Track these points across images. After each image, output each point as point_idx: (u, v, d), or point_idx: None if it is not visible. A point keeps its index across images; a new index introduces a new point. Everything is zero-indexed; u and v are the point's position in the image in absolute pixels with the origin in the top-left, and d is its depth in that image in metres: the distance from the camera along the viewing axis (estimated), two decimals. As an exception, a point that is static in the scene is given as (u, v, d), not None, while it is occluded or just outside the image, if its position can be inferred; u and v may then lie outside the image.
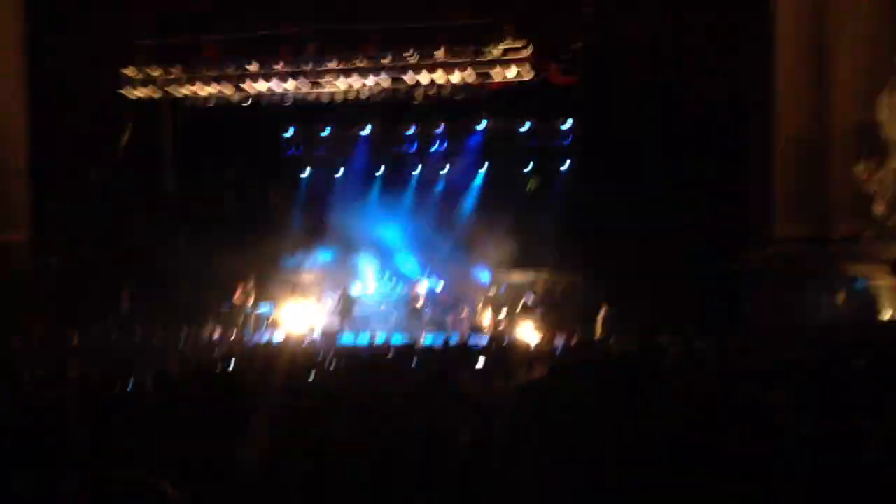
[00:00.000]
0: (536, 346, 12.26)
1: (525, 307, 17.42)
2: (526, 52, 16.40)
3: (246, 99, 18.51)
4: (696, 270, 15.99)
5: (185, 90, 18.03)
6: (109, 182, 18.00)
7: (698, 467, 4.32)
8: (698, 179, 16.45)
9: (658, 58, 16.66)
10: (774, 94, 15.41)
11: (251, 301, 18.10)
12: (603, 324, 15.62)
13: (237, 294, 18.12)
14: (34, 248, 17.01)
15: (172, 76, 17.71)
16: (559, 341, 12.85)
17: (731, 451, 4.49)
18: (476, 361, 9.39)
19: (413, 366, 9.48)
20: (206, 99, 18.42)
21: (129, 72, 17.55)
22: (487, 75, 17.09)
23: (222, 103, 18.65)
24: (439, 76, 17.15)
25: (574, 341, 12.82)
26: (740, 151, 16.32)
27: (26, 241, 16.94)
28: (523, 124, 18.98)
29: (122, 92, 17.78)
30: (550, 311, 17.82)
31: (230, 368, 9.23)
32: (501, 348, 12.20)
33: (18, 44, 17.04)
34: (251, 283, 18.27)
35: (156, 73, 17.58)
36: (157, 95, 18.09)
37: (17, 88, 17.05)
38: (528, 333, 16.05)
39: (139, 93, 17.88)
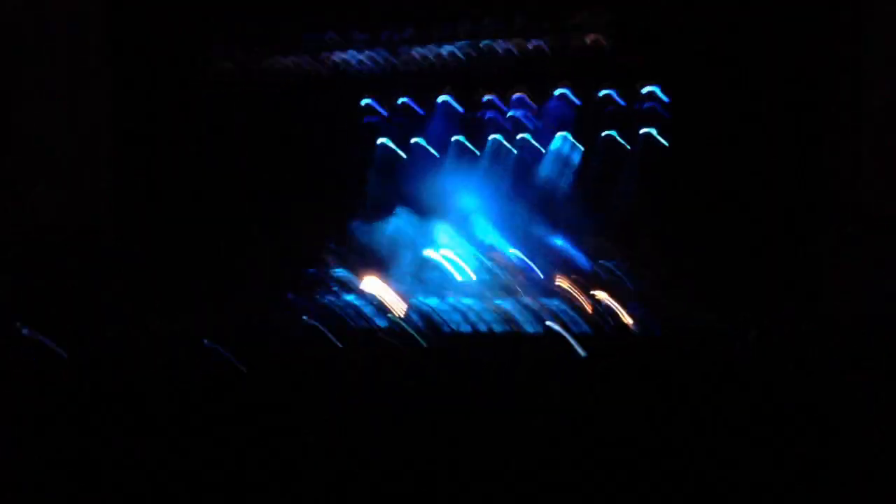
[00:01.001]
0: (615, 322, 12.29)
1: (600, 278, 17.35)
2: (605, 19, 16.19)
3: (324, 70, 18.86)
4: (777, 250, 15.66)
5: (265, 64, 18.45)
6: (191, 161, 18.58)
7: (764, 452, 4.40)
8: (782, 151, 16.00)
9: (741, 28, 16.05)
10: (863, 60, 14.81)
11: (331, 266, 18.55)
12: (682, 301, 15.49)
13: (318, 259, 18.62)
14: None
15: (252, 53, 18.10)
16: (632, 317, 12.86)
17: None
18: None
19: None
20: (284, 72, 18.82)
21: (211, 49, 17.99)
22: (566, 42, 16.98)
23: (299, 75, 19.06)
24: (516, 44, 17.09)
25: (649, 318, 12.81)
26: (827, 123, 15.71)
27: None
28: (600, 90, 18.58)
29: (205, 70, 18.27)
30: (626, 284, 17.75)
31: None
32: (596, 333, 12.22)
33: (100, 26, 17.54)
34: (330, 249, 18.72)
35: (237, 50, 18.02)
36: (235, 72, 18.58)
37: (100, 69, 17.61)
38: (606, 305, 16.07)
39: (222, 68, 18.36)
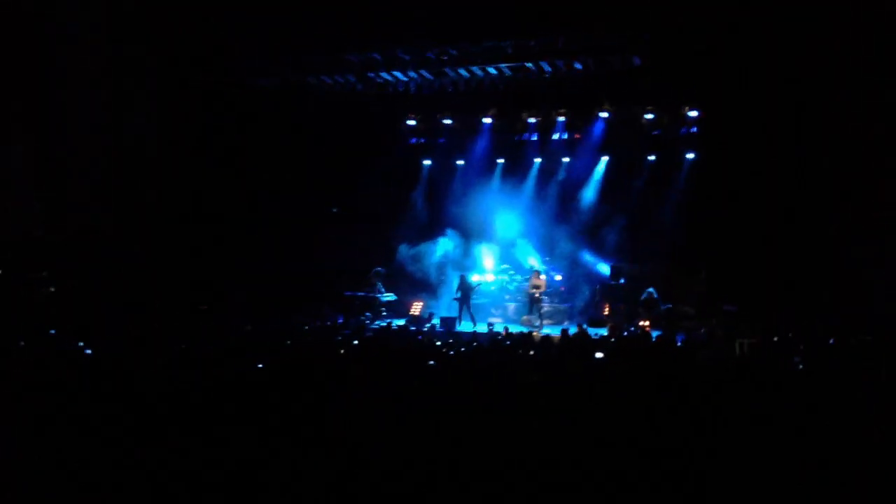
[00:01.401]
0: (655, 340, 12.24)
1: (644, 301, 17.27)
2: (645, 40, 16.16)
3: (370, 88, 19.13)
4: (814, 269, 15.52)
5: (311, 79, 18.74)
6: (239, 172, 18.93)
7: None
8: (821, 175, 15.85)
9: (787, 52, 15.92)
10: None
11: (374, 287, 18.70)
12: (725, 320, 15.36)
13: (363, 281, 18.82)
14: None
15: (299, 65, 18.38)
16: (679, 337, 12.82)
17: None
18: (593, 353, 9.51)
19: (531, 353, 9.74)
20: (331, 87, 19.11)
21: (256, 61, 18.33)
22: (609, 62, 16.99)
23: (346, 92, 19.36)
24: (561, 64, 17.17)
25: (694, 337, 12.72)
26: (860, 148, 15.51)
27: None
28: (646, 112, 18.58)
29: (248, 81, 18.62)
30: (672, 305, 17.66)
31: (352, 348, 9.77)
32: (620, 342, 12.28)
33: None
34: (375, 270, 18.90)
35: (282, 61, 18.30)
36: (280, 84, 18.91)
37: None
38: (646, 327, 15.98)
39: (265, 82, 18.70)
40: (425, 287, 19.62)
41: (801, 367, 8.29)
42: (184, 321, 13.37)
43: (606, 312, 18.14)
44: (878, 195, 15.52)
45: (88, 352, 8.69)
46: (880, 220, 15.39)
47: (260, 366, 7.78)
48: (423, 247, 19.90)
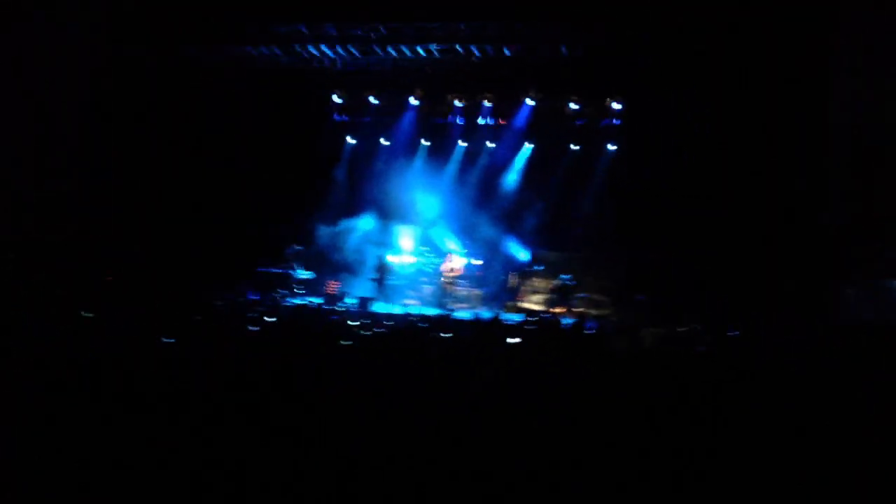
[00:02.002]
0: (568, 326, 12.50)
1: (560, 288, 17.63)
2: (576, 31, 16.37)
3: (296, 62, 18.87)
4: (734, 261, 16.05)
5: (237, 49, 18.36)
6: (159, 140, 18.45)
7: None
8: (749, 166, 16.36)
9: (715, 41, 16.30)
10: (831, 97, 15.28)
11: (290, 265, 18.56)
12: (637, 310, 15.78)
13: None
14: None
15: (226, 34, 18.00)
16: (590, 324, 13.12)
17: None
18: (506, 338, 9.66)
19: (444, 336, 9.83)
20: (256, 59, 18.77)
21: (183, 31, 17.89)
22: (539, 52, 17.15)
23: (272, 66, 19.05)
24: (490, 49, 17.26)
25: (604, 325, 13.04)
26: (797, 140, 16.04)
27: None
28: (570, 103, 18.87)
29: (177, 50, 18.17)
30: (586, 294, 18.07)
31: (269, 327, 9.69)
32: (533, 326, 12.50)
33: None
34: (292, 248, 18.74)
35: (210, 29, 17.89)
36: (207, 54, 18.49)
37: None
38: (562, 314, 16.31)
39: (192, 51, 18.26)
40: (343, 266, 19.55)
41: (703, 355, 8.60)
42: (87, 292, 13.00)
43: (521, 298, 18.45)
44: (794, 185, 16.09)
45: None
46: (794, 212, 15.97)
47: (167, 341, 7.64)
48: (342, 225, 19.83)
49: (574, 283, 17.60)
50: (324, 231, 19.73)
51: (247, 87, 19.45)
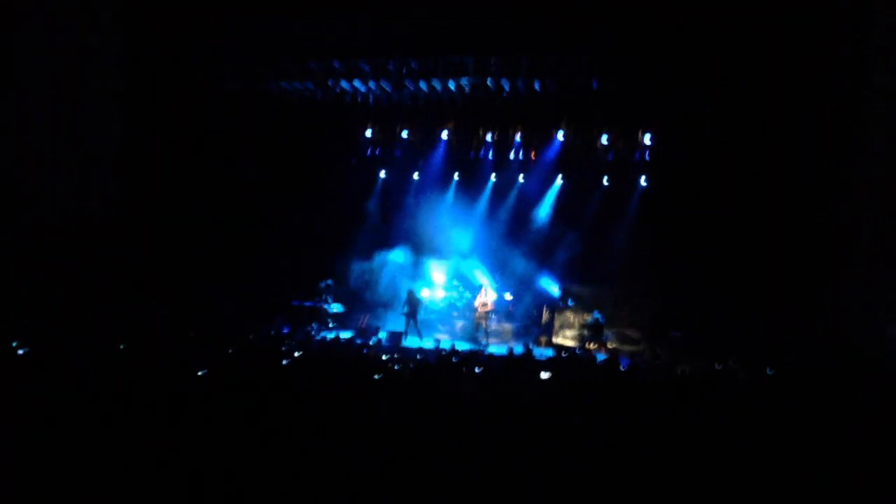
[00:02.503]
0: (602, 363, 12.39)
1: (593, 326, 17.49)
2: (608, 64, 16.40)
3: (329, 97, 19.12)
4: (770, 299, 15.84)
5: (273, 85, 18.67)
6: (196, 173, 18.73)
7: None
8: (779, 206, 16.20)
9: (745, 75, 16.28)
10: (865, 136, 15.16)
11: (322, 298, 18.64)
12: (671, 346, 15.62)
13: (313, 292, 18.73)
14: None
15: (263, 70, 18.32)
16: (624, 360, 13.01)
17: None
18: (539, 372, 9.59)
19: (476, 371, 9.79)
20: (291, 94, 19.05)
21: (219, 67, 18.24)
22: (570, 85, 17.19)
23: (306, 100, 19.31)
24: (521, 83, 17.34)
25: (638, 362, 12.90)
26: (826, 179, 15.91)
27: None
28: (601, 136, 18.86)
29: (213, 86, 18.49)
30: (618, 329, 17.93)
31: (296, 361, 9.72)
32: (566, 362, 12.39)
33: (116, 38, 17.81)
34: (324, 283, 18.83)
35: (247, 65, 18.24)
36: (242, 88, 18.81)
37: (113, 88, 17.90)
38: (594, 349, 16.17)
39: (229, 87, 18.58)
40: (374, 300, 19.59)
41: (738, 394, 8.47)
42: (127, 322, 13.14)
43: (553, 333, 18.35)
44: (829, 226, 15.91)
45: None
46: (833, 251, 15.76)
47: (200, 373, 7.69)
48: (374, 260, 19.90)
49: (604, 321, 17.46)
50: (355, 265, 19.82)
51: (282, 122, 19.71)
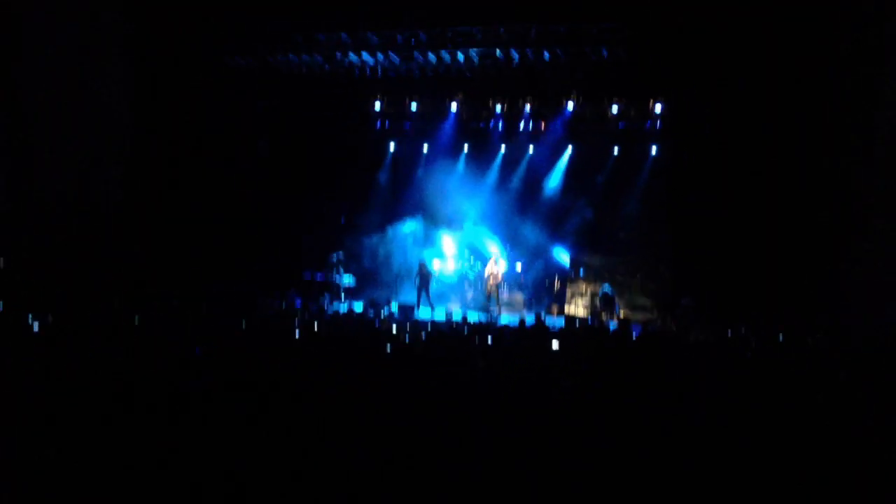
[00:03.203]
0: (613, 332, 12.38)
1: (603, 298, 17.44)
2: (618, 33, 16.19)
3: (338, 69, 19.01)
4: (783, 266, 15.73)
5: (281, 58, 18.55)
6: (207, 148, 18.72)
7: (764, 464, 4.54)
8: (793, 172, 16.04)
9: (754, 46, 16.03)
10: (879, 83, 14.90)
11: (334, 270, 18.71)
12: (683, 314, 15.58)
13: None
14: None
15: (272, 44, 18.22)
16: (636, 328, 12.98)
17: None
18: (550, 343, 9.59)
19: (489, 343, 9.81)
20: (300, 67, 18.96)
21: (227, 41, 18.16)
22: (580, 54, 17.00)
23: (314, 73, 19.21)
24: (531, 52, 17.17)
25: (650, 330, 12.90)
26: (841, 146, 15.70)
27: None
28: (612, 106, 18.68)
29: (222, 62, 18.43)
30: (630, 298, 17.90)
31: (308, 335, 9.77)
32: (576, 332, 12.41)
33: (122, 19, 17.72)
34: (334, 255, 18.88)
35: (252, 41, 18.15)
36: (251, 64, 18.73)
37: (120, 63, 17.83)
38: (606, 319, 16.16)
39: (237, 62, 18.51)
40: (386, 272, 19.62)
41: (751, 360, 8.47)
42: (137, 302, 13.21)
43: (565, 302, 18.36)
44: (848, 195, 15.72)
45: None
46: (850, 220, 15.61)
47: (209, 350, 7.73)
48: (385, 232, 19.91)
49: (613, 293, 17.39)
50: (366, 238, 19.82)
51: (291, 96, 19.63)
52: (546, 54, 17.20)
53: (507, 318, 16.31)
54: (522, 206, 20.00)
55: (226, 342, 8.33)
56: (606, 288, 17.44)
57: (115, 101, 17.83)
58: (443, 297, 18.90)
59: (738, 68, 15.97)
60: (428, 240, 20.07)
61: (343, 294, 18.69)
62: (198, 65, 18.30)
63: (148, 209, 18.12)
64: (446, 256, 20.09)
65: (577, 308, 18.26)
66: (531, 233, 19.65)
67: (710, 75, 16.41)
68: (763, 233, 16.24)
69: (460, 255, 20.08)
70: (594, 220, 19.38)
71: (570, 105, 19.04)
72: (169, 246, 17.86)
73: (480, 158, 20.68)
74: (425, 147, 21.08)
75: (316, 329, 10.41)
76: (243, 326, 10.39)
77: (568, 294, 18.66)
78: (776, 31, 15.28)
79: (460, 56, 17.90)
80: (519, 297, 18.99)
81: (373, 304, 16.93)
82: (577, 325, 13.74)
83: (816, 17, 15.01)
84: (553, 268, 19.66)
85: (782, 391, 6.62)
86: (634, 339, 10.87)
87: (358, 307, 16.49)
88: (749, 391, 6.61)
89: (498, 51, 17.43)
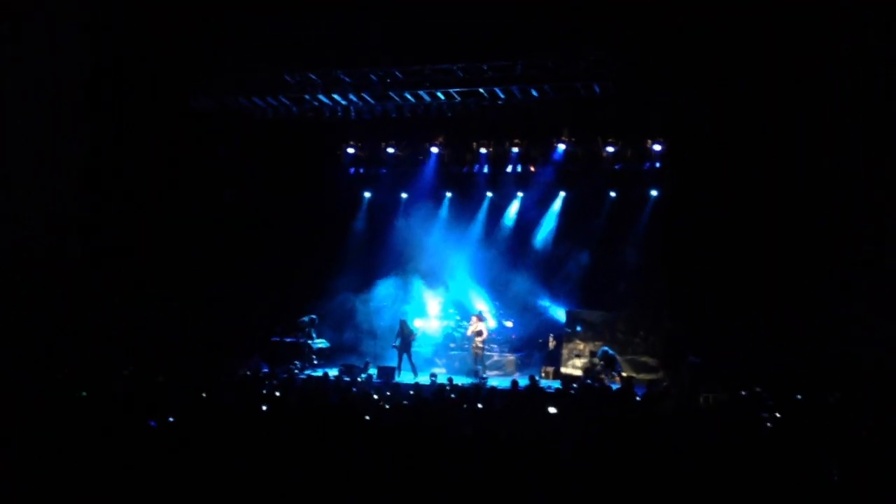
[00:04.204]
0: (616, 392, 12.29)
1: (604, 358, 17.30)
2: (611, 66, 16.35)
3: (307, 112, 19.08)
4: (791, 318, 15.76)
5: (246, 101, 18.59)
6: (167, 198, 18.65)
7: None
8: (805, 215, 16.15)
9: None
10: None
11: (305, 332, 18.53)
12: (690, 372, 15.50)
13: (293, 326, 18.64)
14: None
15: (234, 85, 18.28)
16: (640, 390, 12.89)
17: None
18: (546, 407, 9.49)
19: (478, 408, 9.69)
20: (265, 111, 19.01)
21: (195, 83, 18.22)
22: (570, 90, 17.12)
23: (281, 116, 19.27)
24: (517, 90, 17.30)
25: (656, 391, 12.82)
26: (856, 185, 15.87)
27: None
28: (606, 146, 18.81)
29: (184, 103, 18.46)
30: (632, 357, 17.82)
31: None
32: (576, 395, 12.31)
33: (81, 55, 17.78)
34: (308, 318, 18.73)
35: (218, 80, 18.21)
36: (216, 107, 18.78)
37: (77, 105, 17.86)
38: (607, 378, 16.04)
39: (201, 104, 18.54)
40: (362, 333, 19.44)
41: (768, 423, 8.40)
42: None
43: (561, 363, 18.24)
44: (856, 241, 15.84)
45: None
46: (861, 267, 15.68)
47: (171, 420, 7.58)
48: (360, 288, 19.79)
49: (614, 353, 17.28)
50: (340, 295, 19.67)
51: (257, 142, 19.68)
52: (533, 91, 17.31)
53: (497, 381, 16.17)
54: (512, 258, 19.96)
55: (184, 414, 8.16)
56: (605, 348, 17.35)
57: (68, 146, 17.75)
58: (426, 360, 18.71)
59: (740, 100, 16.13)
60: (409, 297, 19.95)
61: (315, 358, 18.48)
62: (158, 108, 18.29)
63: (102, 263, 17.93)
64: (429, 314, 19.95)
65: (575, 369, 18.11)
66: (522, 287, 19.58)
67: (710, 109, 16.54)
68: (775, 282, 16.26)
69: (445, 313, 19.95)
70: (591, 272, 19.34)
71: (562, 146, 19.18)
72: (121, 307, 17.63)
73: (465, 206, 20.73)
74: (404, 195, 21.12)
75: (284, 397, 10.25)
76: (203, 397, 10.22)
77: (564, 354, 18.53)
78: (777, 50, 15.46)
79: (440, 95, 18.01)
80: (511, 357, 18.85)
81: (348, 369, 16.77)
82: (576, 387, 13.63)
83: (817, 45, 15.25)
84: (547, 325, 19.54)
85: (807, 459, 6.54)
86: (638, 400, 10.79)
87: (332, 372, 16.31)
88: (770, 459, 6.53)
89: (481, 89, 17.54)
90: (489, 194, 20.70)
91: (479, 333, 17.95)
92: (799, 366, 14.26)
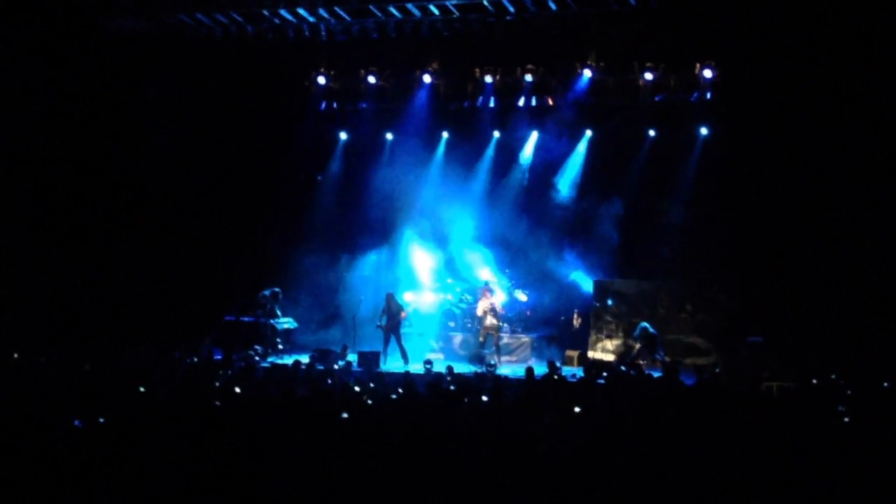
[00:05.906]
0: (658, 381, 12.38)
1: (643, 338, 17.38)
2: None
3: (265, 33, 19.00)
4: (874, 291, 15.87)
5: (185, 18, 18.46)
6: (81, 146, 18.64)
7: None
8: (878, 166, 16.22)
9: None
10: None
11: (267, 310, 18.65)
12: (749, 356, 15.61)
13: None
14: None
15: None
16: (688, 378, 12.99)
17: None
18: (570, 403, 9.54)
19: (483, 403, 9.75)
20: (210, 31, 18.91)
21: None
22: (598, 2, 17.01)
23: (232, 38, 19.18)
24: (530, 2, 17.20)
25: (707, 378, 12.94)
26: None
27: None
28: (644, 73, 18.72)
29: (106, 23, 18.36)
30: (677, 337, 17.91)
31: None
32: (607, 385, 12.39)
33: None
34: (270, 291, 18.83)
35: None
36: (143, 26, 18.67)
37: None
38: (646, 363, 16.15)
39: (123, 23, 18.43)
40: (337, 311, 19.52)
41: (846, 419, 8.45)
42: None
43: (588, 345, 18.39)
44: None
45: None
46: None
47: (101, 420, 7.63)
48: (334, 254, 19.87)
49: (655, 331, 17.36)
50: (310, 263, 19.72)
51: (199, 72, 19.55)
52: (552, 4, 17.22)
53: (507, 369, 16.24)
54: (526, 214, 20.02)
55: (116, 411, 8.21)
56: (644, 324, 17.42)
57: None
58: (420, 344, 18.79)
59: (814, 8, 16.06)
60: (396, 265, 20.01)
61: (280, 342, 18.57)
62: (62, 30, 18.16)
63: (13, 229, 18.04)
64: (423, 287, 20.02)
65: (605, 353, 18.21)
66: (538, 250, 19.63)
67: (775, 22, 16.47)
68: (854, 245, 16.33)
69: (442, 284, 20.02)
70: (625, 231, 19.35)
71: (588, 73, 19.07)
72: (32, 285, 17.71)
73: (466, 149, 20.71)
74: (389, 136, 21.13)
75: (241, 391, 10.30)
76: (140, 392, 10.29)
77: (592, 335, 18.60)
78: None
79: (434, 9, 17.88)
80: (525, 339, 18.93)
81: (322, 355, 16.85)
82: (607, 376, 13.69)
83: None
84: (570, 298, 19.63)
85: (894, 462, 6.61)
86: (686, 391, 10.86)
87: (303, 359, 16.42)
88: (848, 461, 6.59)
89: (485, 1, 17.42)
90: (496, 134, 20.74)
91: (493, 311, 17.97)
92: (882, 349, 14.32)
